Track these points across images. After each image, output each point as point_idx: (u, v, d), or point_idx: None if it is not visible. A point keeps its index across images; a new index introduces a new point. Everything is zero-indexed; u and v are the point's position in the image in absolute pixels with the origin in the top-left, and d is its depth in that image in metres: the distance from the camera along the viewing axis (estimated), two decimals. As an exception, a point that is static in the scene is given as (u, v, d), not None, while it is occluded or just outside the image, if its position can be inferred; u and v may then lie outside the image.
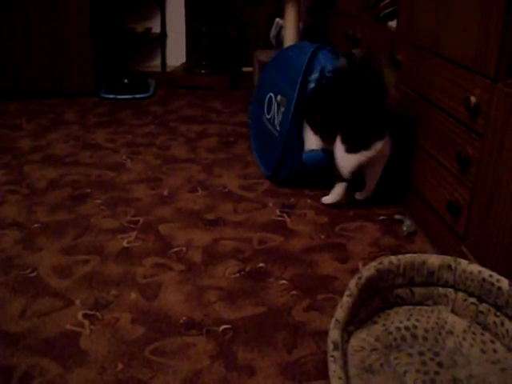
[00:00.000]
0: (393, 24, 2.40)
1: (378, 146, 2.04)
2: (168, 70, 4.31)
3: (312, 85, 2.25)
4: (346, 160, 2.10)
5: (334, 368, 1.21)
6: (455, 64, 1.77)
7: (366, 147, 2.05)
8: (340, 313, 1.34)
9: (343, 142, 2.10)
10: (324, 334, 1.49)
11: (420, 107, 2.03)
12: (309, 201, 2.26)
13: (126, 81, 3.78)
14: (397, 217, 2.12)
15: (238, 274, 1.76)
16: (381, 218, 2.14)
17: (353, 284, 1.39)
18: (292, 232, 2.02)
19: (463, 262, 1.40)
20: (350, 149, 2.08)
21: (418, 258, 1.45)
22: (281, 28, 3.74)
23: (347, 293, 1.38)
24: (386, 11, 2.52)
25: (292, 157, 2.34)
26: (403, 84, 2.18)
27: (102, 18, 3.83)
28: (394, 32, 2.32)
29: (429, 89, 1.96)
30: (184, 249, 1.90)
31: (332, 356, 1.24)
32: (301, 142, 2.32)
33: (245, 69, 4.30)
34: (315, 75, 2.25)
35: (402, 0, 2.27)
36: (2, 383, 1.32)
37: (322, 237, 1.99)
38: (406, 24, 2.20)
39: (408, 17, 2.17)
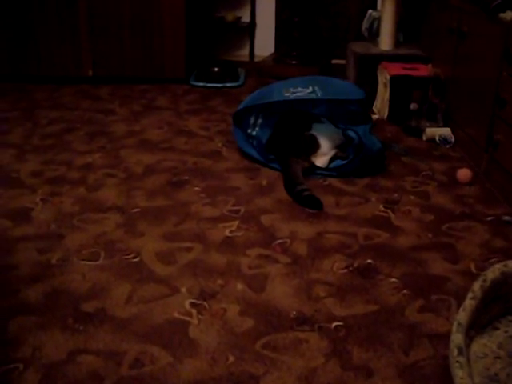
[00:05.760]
0: (506, 16, 2.29)
1: None
2: (256, 59, 4.27)
3: None
4: None
5: (460, 374, 1.15)
6: None
7: None
8: (463, 316, 1.28)
9: None
10: (441, 336, 1.42)
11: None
12: (412, 197, 2.17)
13: (216, 69, 3.76)
14: (506, 218, 2.02)
15: (346, 270, 1.70)
16: (488, 218, 2.04)
17: (477, 286, 1.32)
18: (398, 229, 1.94)
19: None
20: None
21: (544, 262, 1.36)
22: (373, 20, 3.65)
23: (470, 295, 1.31)
24: (498, 1, 2.40)
25: None
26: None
27: (194, 6, 3.82)
28: (509, 24, 2.21)
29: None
30: (288, 241, 1.85)
31: (458, 361, 1.18)
32: None
33: (334, 61, 4.21)
34: None
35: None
36: (113, 368, 1.30)
37: (430, 235, 1.91)
38: (523, 15, 2.09)
39: (526, 8, 2.06)
